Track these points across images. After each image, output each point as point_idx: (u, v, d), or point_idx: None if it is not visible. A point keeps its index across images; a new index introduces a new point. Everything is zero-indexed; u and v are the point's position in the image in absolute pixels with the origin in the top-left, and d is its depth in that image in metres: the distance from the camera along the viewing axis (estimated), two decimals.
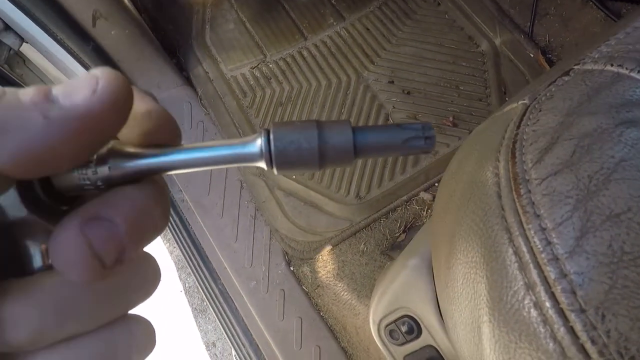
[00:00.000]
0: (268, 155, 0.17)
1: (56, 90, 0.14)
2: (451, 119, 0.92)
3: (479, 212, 0.25)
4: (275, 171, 0.17)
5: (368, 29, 1.03)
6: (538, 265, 0.20)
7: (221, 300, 0.92)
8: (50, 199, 0.16)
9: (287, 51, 1.03)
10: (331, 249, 0.85)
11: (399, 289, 0.46)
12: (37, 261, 0.16)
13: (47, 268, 0.16)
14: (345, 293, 0.81)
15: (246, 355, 0.88)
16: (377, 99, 0.96)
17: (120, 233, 0.15)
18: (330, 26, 1.05)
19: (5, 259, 0.16)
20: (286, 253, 0.88)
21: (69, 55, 0.81)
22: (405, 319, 0.45)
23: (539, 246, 0.20)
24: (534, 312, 0.20)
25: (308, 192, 0.89)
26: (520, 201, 0.22)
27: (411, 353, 0.47)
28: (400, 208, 0.87)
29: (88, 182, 0.16)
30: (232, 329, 0.90)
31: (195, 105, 0.98)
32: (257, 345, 0.86)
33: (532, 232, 0.21)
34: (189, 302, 1.66)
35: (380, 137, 0.17)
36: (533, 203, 0.22)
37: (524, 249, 0.21)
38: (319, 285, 0.85)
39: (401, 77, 0.98)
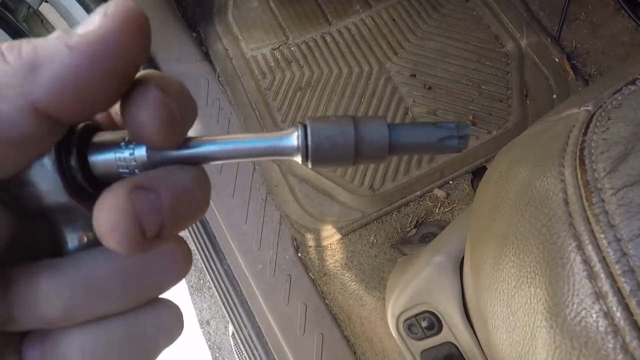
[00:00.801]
0: (305, 149, 0.17)
1: (76, 27, 0.14)
2: (471, 117, 0.92)
3: (540, 217, 0.25)
4: (309, 165, 0.17)
5: (394, 20, 1.02)
6: (611, 276, 0.20)
7: (226, 280, 0.92)
8: (90, 186, 0.16)
9: (310, 35, 1.01)
10: (341, 239, 0.85)
11: (422, 284, 0.46)
12: (73, 244, 0.17)
13: (82, 251, 0.17)
14: (353, 283, 0.82)
15: (247, 337, 0.89)
16: (397, 92, 0.95)
17: (164, 207, 0.15)
18: (356, 13, 1.03)
19: (43, 241, 0.17)
20: (295, 239, 0.88)
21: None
22: (426, 314, 0.45)
23: (613, 257, 0.20)
24: (602, 322, 0.20)
25: (321, 179, 0.89)
26: (592, 210, 0.22)
27: (429, 348, 0.47)
28: (412, 203, 0.87)
29: (126, 170, 0.16)
30: (235, 310, 0.90)
31: (213, 82, 0.97)
32: (260, 328, 0.87)
33: (606, 242, 0.21)
34: (185, 279, 1.67)
35: (415, 135, 0.17)
36: (607, 212, 0.21)
37: (595, 258, 0.21)
38: (326, 274, 0.85)
39: (423, 71, 0.97)
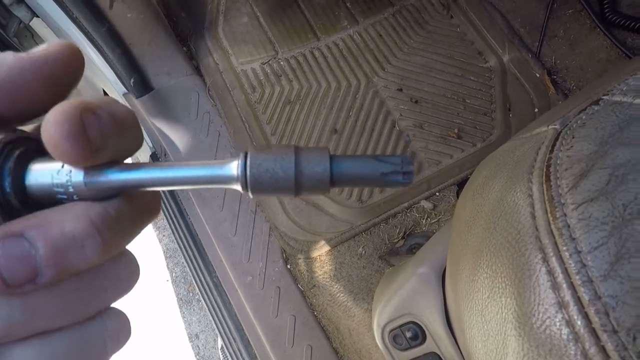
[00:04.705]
0: (244, 180, 0.17)
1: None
2: (456, 130, 0.94)
3: (510, 230, 0.26)
4: (250, 195, 0.18)
5: (381, 35, 1.04)
6: (572, 286, 0.21)
7: (215, 293, 0.92)
8: (28, 210, 0.16)
9: (299, 50, 1.03)
10: (330, 250, 0.86)
11: (407, 295, 0.47)
12: None
13: None
14: (341, 295, 0.82)
15: (236, 350, 0.88)
16: (385, 105, 0.97)
17: (36, 257, 0.15)
18: (344, 29, 1.05)
19: None
20: (284, 251, 0.88)
21: (80, 34, 0.80)
22: (411, 325, 0.46)
23: (574, 268, 0.22)
24: (565, 330, 0.21)
25: None
26: (555, 224, 0.23)
27: (413, 359, 0.48)
28: (400, 214, 0.88)
29: (64, 196, 0.16)
30: (223, 322, 0.90)
31: (203, 95, 0.98)
32: (249, 341, 0.86)
33: (567, 254, 0.22)
34: (175, 292, 1.65)
35: (358, 169, 0.17)
36: (569, 226, 0.23)
37: (558, 269, 0.22)
38: (315, 285, 0.86)
39: (410, 85, 0.99)
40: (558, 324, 0.21)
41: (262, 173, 0.17)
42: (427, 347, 0.46)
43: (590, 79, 0.97)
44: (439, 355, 0.45)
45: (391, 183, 0.17)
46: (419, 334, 0.45)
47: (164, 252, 1.68)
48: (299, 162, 0.17)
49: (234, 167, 0.17)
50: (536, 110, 0.97)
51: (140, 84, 0.91)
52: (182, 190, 0.98)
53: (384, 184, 0.17)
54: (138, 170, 0.17)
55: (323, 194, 0.18)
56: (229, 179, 0.17)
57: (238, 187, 0.17)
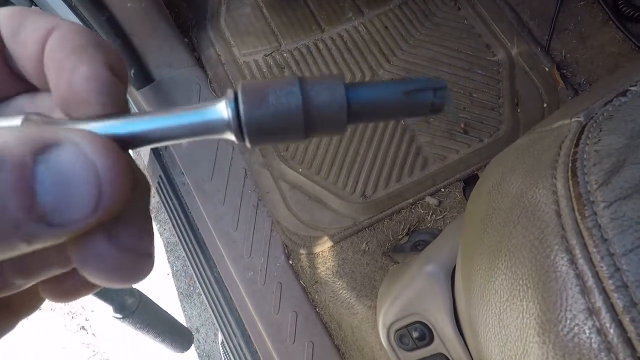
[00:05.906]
0: (237, 123, 0.13)
1: (44, 199, 0.10)
2: (462, 125, 0.92)
3: (533, 230, 0.24)
4: (248, 144, 0.13)
5: (386, 27, 1.02)
6: (604, 291, 0.20)
7: (215, 288, 0.90)
8: None
9: (303, 41, 1.01)
10: (332, 246, 0.85)
11: (414, 294, 0.45)
12: None
13: None
14: (344, 291, 0.81)
15: (237, 345, 0.87)
16: None
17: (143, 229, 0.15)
18: (349, 20, 1.03)
19: None
20: (286, 246, 0.87)
21: (80, 24, 0.78)
22: (418, 325, 0.45)
23: (606, 272, 0.20)
24: (596, 339, 0.19)
25: (313, 186, 0.88)
26: (585, 223, 0.22)
27: (420, 359, 0.46)
28: (405, 210, 0.86)
29: None
30: (224, 318, 0.89)
31: (205, 87, 0.96)
32: (249, 337, 0.85)
33: (599, 256, 0.20)
34: (175, 285, 1.65)
35: (378, 93, 0.14)
36: (600, 226, 0.21)
37: (588, 272, 0.20)
38: (317, 281, 0.84)
39: None
40: (588, 332, 0.20)
41: (261, 110, 0.13)
42: (435, 348, 0.44)
43: (601, 73, 0.94)
44: (446, 357, 0.43)
45: (421, 105, 0.14)
46: (426, 335, 0.44)
47: (164, 245, 1.67)
48: (306, 91, 0.13)
49: (221, 109, 0.13)
50: (545, 105, 0.95)
51: (141, 75, 0.89)
52: (183, 183, 0.96)
53: (413, 108, 0.14)
54: (104, 120, 0.13)
55: (338, 134, 0.14)
56: (215, 126, 0.13)
57: (229, 135, 0.13)
